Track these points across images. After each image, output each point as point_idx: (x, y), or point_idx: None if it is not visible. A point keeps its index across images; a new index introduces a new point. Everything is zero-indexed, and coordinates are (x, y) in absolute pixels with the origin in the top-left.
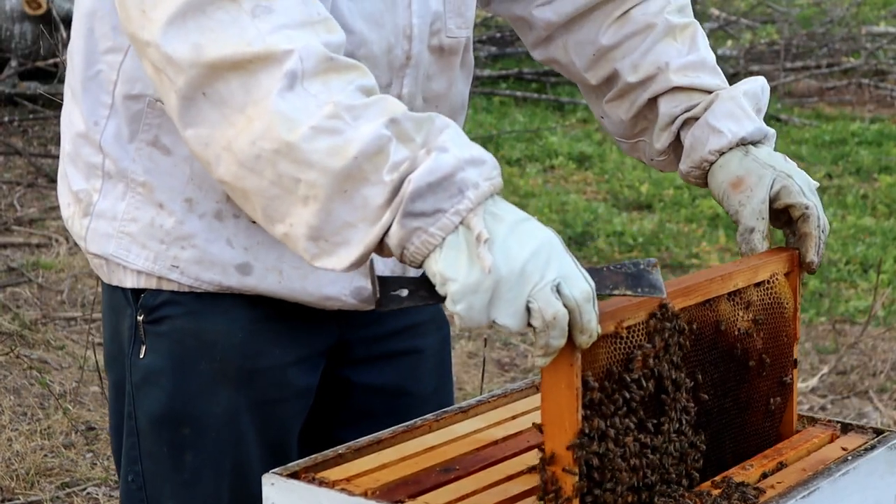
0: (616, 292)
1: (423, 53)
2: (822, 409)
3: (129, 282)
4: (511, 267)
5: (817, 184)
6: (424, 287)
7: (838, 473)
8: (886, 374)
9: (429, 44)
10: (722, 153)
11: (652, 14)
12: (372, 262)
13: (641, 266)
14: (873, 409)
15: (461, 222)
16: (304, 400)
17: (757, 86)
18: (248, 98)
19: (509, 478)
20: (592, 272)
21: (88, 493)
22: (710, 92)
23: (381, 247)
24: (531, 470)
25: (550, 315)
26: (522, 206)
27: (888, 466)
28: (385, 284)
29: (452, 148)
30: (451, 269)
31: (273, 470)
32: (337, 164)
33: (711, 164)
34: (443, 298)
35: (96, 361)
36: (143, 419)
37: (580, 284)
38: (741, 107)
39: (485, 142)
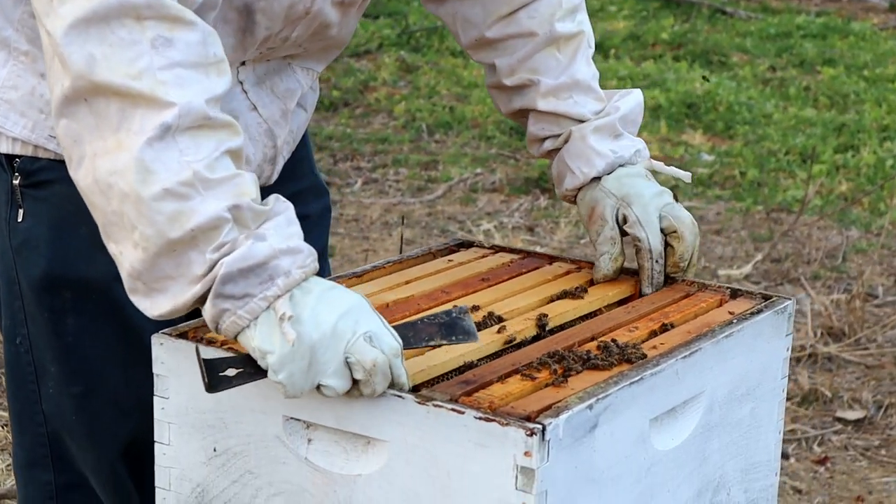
0: (432, 343)
1: (326, 8)
2: None
3: (4, 147)
4: (322, 331)
5: (687, 175)
6: (250, 363)
7: (721, 336)
8: (820, 262)
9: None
10: (579, 189)
11: (538, 21)
12: (198, 348)
13: (454, 314)
14: (805, 296)
15: (269, 307)
16: None
17: (614, 118)
18: (123, 125)
19: None
20: (407, 326)
21: None
22: (573, 119)
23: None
24: None
25: (370, 363)
26: (464, 97)
27: (774, 330)
28: (212, 367)
29: (271, 237)
30: (266, 343)
31: (163, 331)
32: (173, 232)
33: (575, 196)
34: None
35: None
36: (25, 283)
37: (388, 341)
38: (591, 146)
39: (430, 33)
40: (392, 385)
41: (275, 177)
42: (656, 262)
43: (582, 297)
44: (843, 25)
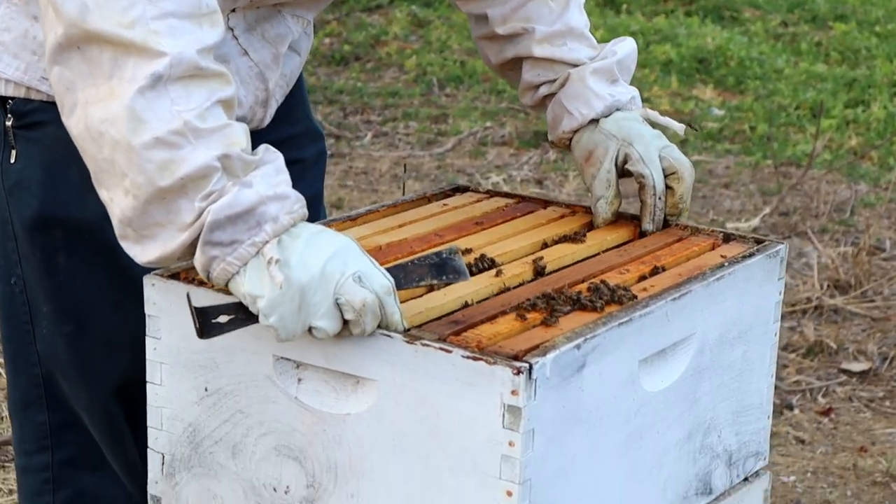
0: (423, 283)
1: None
2: None
3: None
4: (311, 273)
5: (681, 127)
6: (242, 310)
7: (713, 278)
8: (828, 216)
9: None
10: (575, 131)
11: None
12: (189, 295)
13: (444, 255)
14: (813, 249)
15: (258, 252)
16: None
17: (611, 61)
18: (116, 73)
19: None
20: (398, 268)
21: None
22: (568, 64)
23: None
24: None
25: (359, 303)
26: (475, 52)
27: (766, 274)
28: (204, 314)
29: (258, 184)
30: (256, 288)
31: (154, 272)
32: (164, 180)
33: (570, 140)
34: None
35: None
36: (18, 224)
37: (378, 279)
38: (590, 88)
39: None
40: (386, 324)
41: (267, 120)
42: (659, 199)
43: (582, 242)
44: None
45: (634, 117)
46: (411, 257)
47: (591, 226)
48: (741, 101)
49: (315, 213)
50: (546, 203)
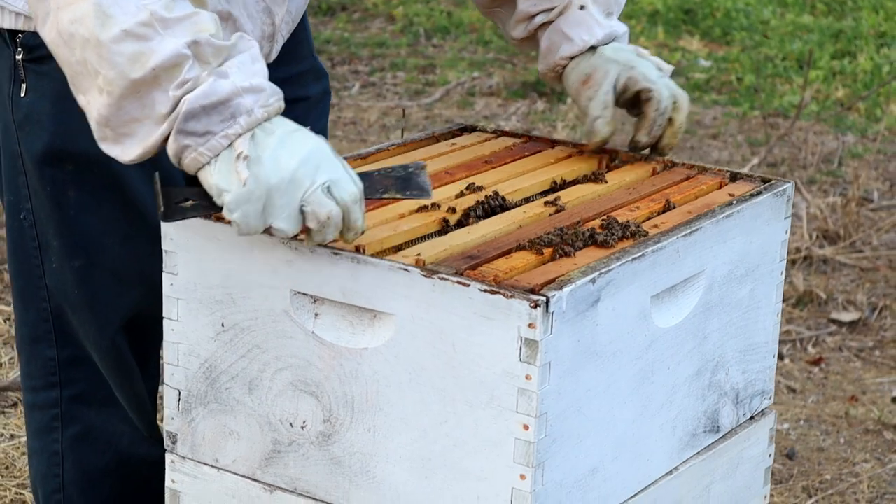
0: (386, 196)
1: None
2: None
3: (7, 23)
4: (281, 175)
5: (670, 67)
6: (206, 197)
7: (722, 215)
8: (816, 166)
9: None
10: (573, 58)
11: None
12: (156, 176)
13: (410, 169)
14: (801, 200)
15: (230, 144)
16: None
17: None
18: None
19: (401, 216)
20: (363, 176)
21: None
22: None
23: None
24: (422, 209)
25: (324, 215)
26: (461, 2)
27: (773, 212)
28: (168, 196)
29: (234, 75)
30: (224, 182)
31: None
32: (135, 73)
33: (564, 67)
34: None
35: None
36: (28, 157)
37: (348, 187)
38: (591, 15)
39: None
40: (349, 229)
41: (274, 55)
42: (661, 114)
43: (603, 181)
44: None
45: (631, 48)
46: (378, 168)
47: (607, 166)
48: (728, 53)
49: (325, 105)
50: (553, 142)
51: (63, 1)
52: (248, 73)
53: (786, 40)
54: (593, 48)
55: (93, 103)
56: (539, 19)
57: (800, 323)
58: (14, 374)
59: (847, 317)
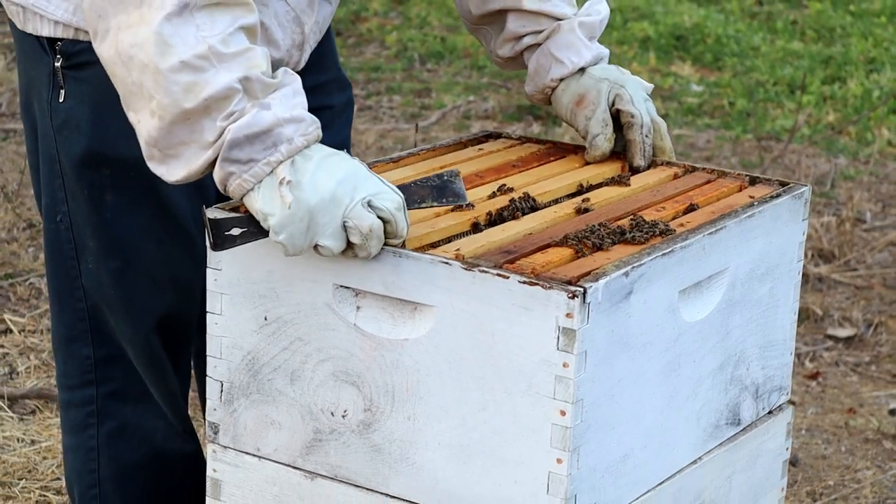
0: (424, 205)
1: None
2: None
3: (46, 30)
4: (321, 196)
5: (651, 86)
6: (253, 223)
7: (744, 216)
8: (810, 188)
9: None
10: (562, 79)
11: None
12: (203, 208)
13: (445, 177)
14: None
15: (272, 171)
16: None
17: (596, 19)
18: (146, 1)
19: (437, 215)
20: (401, 188)
21: (31, 283)
22: (555, 18)
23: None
24: (457, 208)
25: (367, 228)
26: (455, 28)
27: (792, 214)
28: (217, 226)
29: (276, 107)
30: (268, 206)
31: (215, 205)
32: (188, 102)
33: (554, 89)
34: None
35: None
36: (66, 161)
37: (391, 196)
38: (579, 38)
39: None
40: (395, 237)
41: (303, 63)
42: (646, 136)
43: (627, 185)
44: None
45: (615, 67)
46: (414, 179)
47: (631, 170)
48: (719, 78)
49: (348, 115)
50: (577, 148)
51: (124, 22)
52: (289, 104)
53: (776, 66)
54: (582, 69)
55: (143, 123)
56: (527, 41)
57: (797, 339)
58: (31, 383)
59: (843, 333)
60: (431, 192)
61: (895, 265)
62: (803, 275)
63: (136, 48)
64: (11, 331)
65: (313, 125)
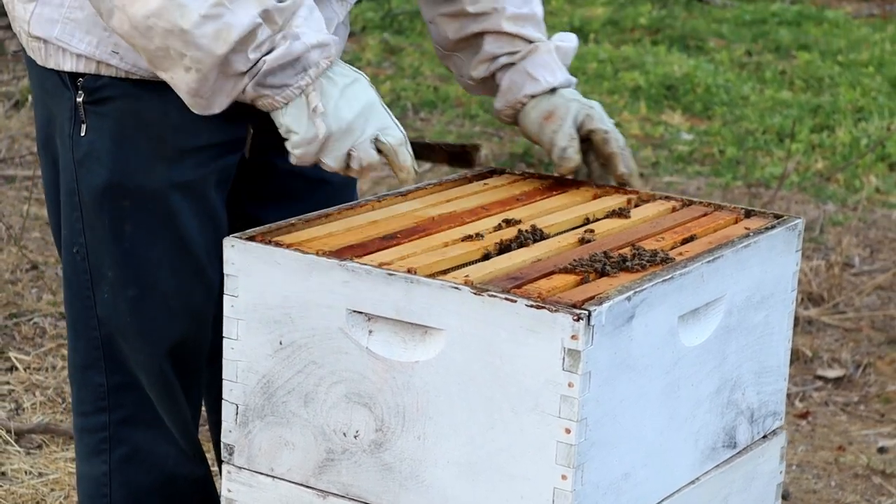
0: (433, 158)
1: None
2: None
3: (69, 65)
4: (340, 125)
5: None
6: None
7: (741, 245)
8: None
9: None
10: (534, 97)
11: None
12: (249, 128)
13: (466, 147)
14: None
15: (301, 93)
16: (227, 176)
17: (570, 45)
18: None
19: (445, 244)
20: (424, 144)
21: (35, 323)
22: (530, 41)
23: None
24: (465, 239)
25: (366, 163)
26: (447, 78)
27: (786, 245)
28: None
29: (304, 35)
30: (294, 124)
31: (233, 235)
32: (220, 49)
33: (524, 105)
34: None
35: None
36: (86, 193)
37: (395, 133)
38: (555, 60)
39: (412, 16)
40: (401, 170)
41: None
42: (624, 148)
43: (627, 217)
44: (818, 13)
45: (579, 95)
46: (439, 141)
47: (631, 202)
48: (709, 126)
49: (350, 193)
50: (579, 184)
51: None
52: (314, 28)
53: (766, 115)
54: (554, 89)
55: (179, 78)
56: (502, 60)
57: (787, 379)
58: (37, 418)
59: (832, 373)
60: (447, 154)
61: (883, 308)
62: (794, 317)
63: (154, 18)
64: (17, 368)
65: (335, 47)
